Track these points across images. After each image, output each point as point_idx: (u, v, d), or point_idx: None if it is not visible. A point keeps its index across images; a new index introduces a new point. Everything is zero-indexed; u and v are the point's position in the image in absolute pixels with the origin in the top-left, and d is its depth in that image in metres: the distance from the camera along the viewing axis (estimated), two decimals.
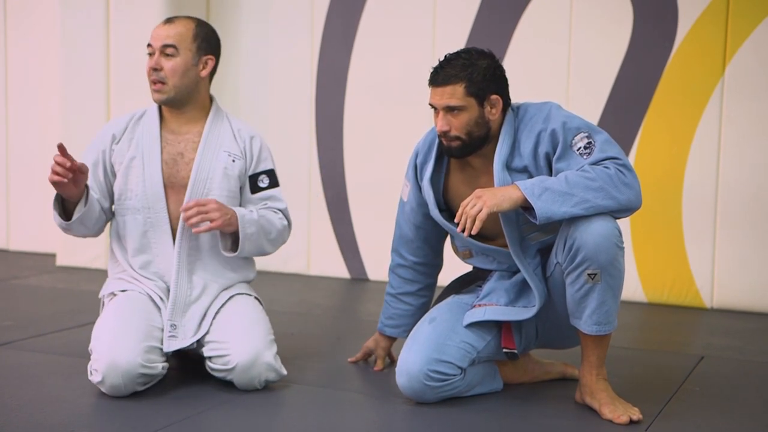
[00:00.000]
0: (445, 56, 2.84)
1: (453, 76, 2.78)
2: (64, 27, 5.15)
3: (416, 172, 3.04)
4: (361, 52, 5.00)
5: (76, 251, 5.26)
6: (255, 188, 3.13)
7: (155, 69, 3.01)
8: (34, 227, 5.73)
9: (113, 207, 3.12)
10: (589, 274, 2.68)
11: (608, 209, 2.67)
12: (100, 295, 3.14)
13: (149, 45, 3.04)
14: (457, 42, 4.65)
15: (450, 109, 2.80)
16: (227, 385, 2.96)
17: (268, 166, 3.16)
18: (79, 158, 2.99)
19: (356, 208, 5.07)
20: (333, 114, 5.08)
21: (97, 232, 3.10)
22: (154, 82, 3.03)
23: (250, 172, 3.13)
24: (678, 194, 4.48)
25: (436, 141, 2.95)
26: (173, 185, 3.06)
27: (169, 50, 3.01)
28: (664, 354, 3.63)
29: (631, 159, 4.50)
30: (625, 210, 2.71)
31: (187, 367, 3.15)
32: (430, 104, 2.84)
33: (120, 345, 2.80)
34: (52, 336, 3.61)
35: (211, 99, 3.16)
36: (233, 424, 2.67)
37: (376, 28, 4.97)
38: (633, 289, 4.54)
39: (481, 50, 2.86)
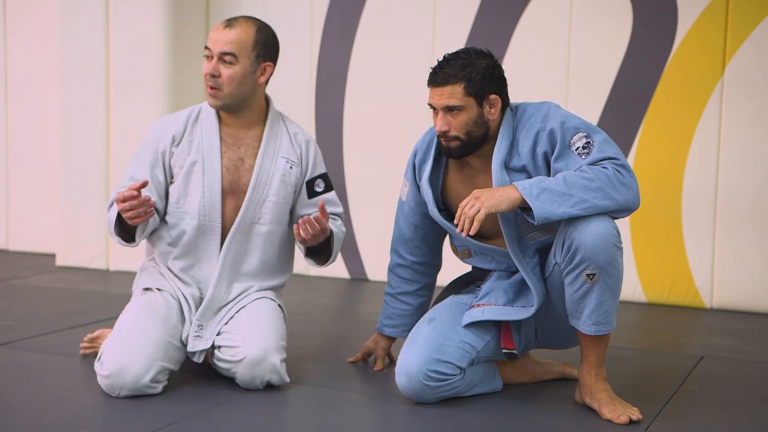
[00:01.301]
0: (444, 56, 2.84)
1: (452, 76, 2.79)
2: (64, 27, 5.15)
3: (415, 171, 3.04)
4: (361, 51, 5.00)
5: (75, 251, 5.26)
6: (312, 193, 3.11)
7: (213, 75, 2.95)
8: (34, 227, 5.73)
9: (168, 208, 3.05)
10: (587, 275, 2.68)
11: (606, 209, 2.67)
12: (133, 287, 3.11)
13: (207, 48, 2.97)
14: (457, 42, 4.65)
15: (449, 109, 2.80)
16: (228, 384, 2.97)
17: (323, 170, 3.14)
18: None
19: (356, 208, 5.07)
20: (333, 114, 5.08)
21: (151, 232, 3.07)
22: (210, 87, 2.97)
23: (307, 178, 3.11)
24: (677, 194, 4.48)
25: (435, 140, 2.96)
26: (233, 191, 3.03)
27: (228, 58, 2.94)
28: (664, 354, 3.64)
29: (631, 159, 4.50)
30: (624, 210, 2.71)
31: (188, 366, 3.15)
32: (429, 104, 2.85)
33: (135, 357, 2.79)
34: (52, 336, 3.61)
35: (267, 101, 3.11)
36: (233, 423, 2.68)
37: (376, 28, 4.97)
38: (632, 289, 4.54)
39: (479, 50, 2.86)
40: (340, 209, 3.16)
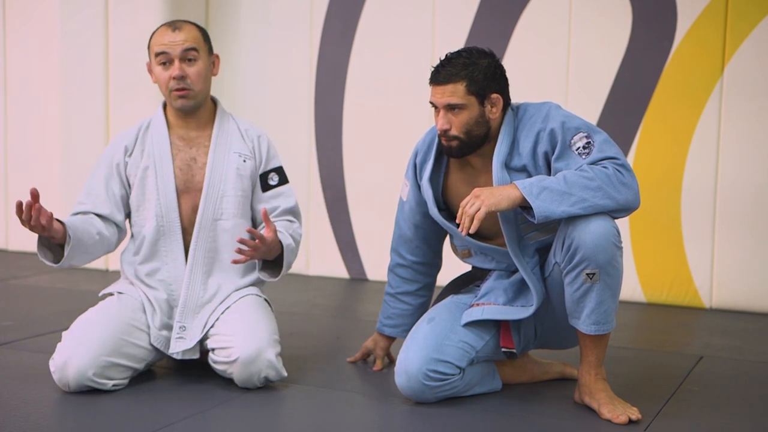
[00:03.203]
0: (446, 55, 2.84)
1: (454, 75, 2.79)
2: (64, 27, 5.15)
3: (416, 171, 3.04)
4: (361, 51, 5.00)
5: None
6: (266, 186, 3.14)
7: (181, 77, 2.98)
8: None
9: (131, 219, 3.11)
10: (587, 274, 2.68)
11: (606, 209, 2.68)
12: (99, 294, 3.15)
13: (162, 53, 2.98)
14: (457, 42, 4.65)
15: (451, 108, 2.81)
16: (227, 384, 2.97)
17: (277, 164, 3.17)
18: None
19: (355, 208, 5.07)
20: (332, 114, 5.08)
21: (108, 248, 3.07)
22: (178, 90, 2.99)
23: (260, 171, 3.13)
24: (677, 194, 4.48)
25: (436, 140, 2.96)
26: (188, 190, 3.06)
27: (192, 54, 3.00)
28: (663, 354, 3.64)
29: (630, 159, 4.50)
30: (624, 210, 2.71)
31: (187, 366, 3.15)
32: (430, 102, 2.85)
33: (79, 352, 2.83)
34: (52, 336, 3.61)
35: (214, 101, 3.16)
36: (232, 423, 2.68)
37: (376, 28, 4.97)
38: (632, 289, 4.54)
39: (481, 49, 2.86)
40: (293, 202, 3.16)
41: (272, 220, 3.06)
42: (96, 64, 5.13)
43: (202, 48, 3.03)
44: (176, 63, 2.98)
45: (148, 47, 3.06)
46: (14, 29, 5.68)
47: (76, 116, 5.18)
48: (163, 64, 3.00)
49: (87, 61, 5.14)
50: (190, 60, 3.00)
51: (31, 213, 2.76)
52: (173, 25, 3.03)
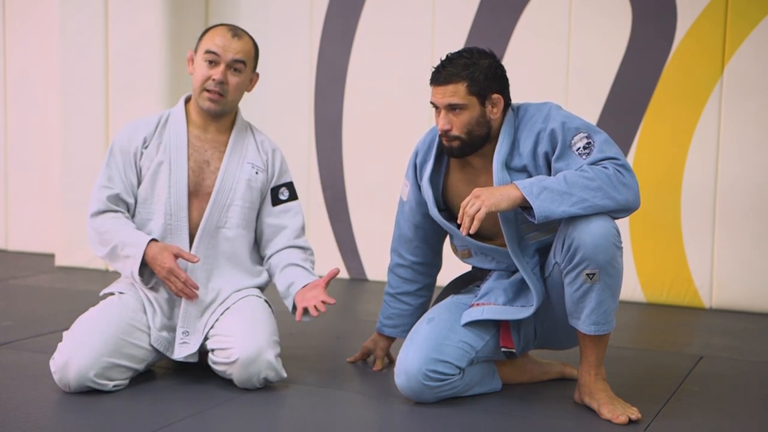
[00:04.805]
0: (447, 55, 2.84)
1: (455, 75, 2.79)
2: (64, 27, 5.15)
3: (416, 171, 3.04)
4: (361, 51, 5.00)
5: (74, 251, 5.26)
6: (276, 201, 3.15)
7: (221, 81, 2.98)
8: (33, 227, 5.73)
9: (135, 210, 3.08)
10: (587, 274, 2.68)
11: (607, 209, 2.68)
12: (101, 293, 3.14)
13: (212, 52, 2.98)
14: (457, 42, 4.65)
15: (451, 108, 2.81)
16: (226, 384, 2.97)
17: (288, 179, 3.19)
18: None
19: (355, 208, 5.07)
20: (332, 114, 5.08)
21: None
22: (211, 92, 2.99)
23: (272, 185, 3.14)
24: (677, 194, 4.48)
25: (436, 140, 2.96)
26: (198, 193, 3.05)
27: (239, 66, 3.01)
28: (663, 354, 3.64)
29: (630, 159, 4.50)
30: (624, 210, 2.71)
31: (187, 366, 3.15)
32: (431, 103, 2.85)
33: (80, 352, 2.82)
34: (52, 336, 3.61)
35: (235, 109, 3.16)
36: (232, 423, 2.68)
37: (376, 28, 4.97)
38: (632, 289, 4.54)
39: (482, 50, 2.87)
40: (300, 221, 3.18)
41: (288, 245, 3.14)
42: (96, 63, 5.12)
43: (250, 64, 3.05)
44: (222, 67, 2.99)
45: (200, 39, 3.05)
46: (14, 29, 5.68)
47: (76, 116, 5.18)
48: (209, 62, 3.00)
49: (87, 61, 5.14)
50: (235, 70, 3.01)
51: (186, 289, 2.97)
52: (235, 31, 3.04)
